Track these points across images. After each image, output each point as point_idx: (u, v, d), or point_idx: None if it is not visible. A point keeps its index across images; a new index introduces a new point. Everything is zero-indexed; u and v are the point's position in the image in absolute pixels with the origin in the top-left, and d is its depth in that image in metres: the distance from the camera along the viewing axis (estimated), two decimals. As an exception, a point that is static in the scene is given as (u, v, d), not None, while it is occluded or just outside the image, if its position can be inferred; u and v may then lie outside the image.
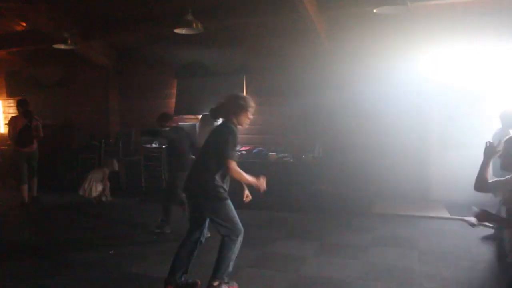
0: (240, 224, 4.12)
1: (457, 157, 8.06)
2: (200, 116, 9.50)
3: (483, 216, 2.99)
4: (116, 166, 8.84)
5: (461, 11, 7.56)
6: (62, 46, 8.14)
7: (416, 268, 4.95)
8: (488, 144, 3.26)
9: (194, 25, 6.89)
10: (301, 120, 8.87)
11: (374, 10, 6.15)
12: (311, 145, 8.59)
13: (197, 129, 9.41)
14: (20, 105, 8.49)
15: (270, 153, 8.61)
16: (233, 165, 4.02)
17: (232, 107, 4.26)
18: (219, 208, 4.07)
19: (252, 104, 4.31)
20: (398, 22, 7.50)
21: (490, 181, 3.21)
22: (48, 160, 9.46)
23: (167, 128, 6.69)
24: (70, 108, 10.90)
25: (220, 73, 9.46)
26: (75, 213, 8.03)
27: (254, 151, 8.78)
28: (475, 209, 2.96)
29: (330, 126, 8.55)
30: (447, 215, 7.24)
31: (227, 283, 4.04)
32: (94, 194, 8.32)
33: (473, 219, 2.96)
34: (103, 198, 8.53)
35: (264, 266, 5.12)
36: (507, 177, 3.02)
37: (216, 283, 3.95)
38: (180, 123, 9.71)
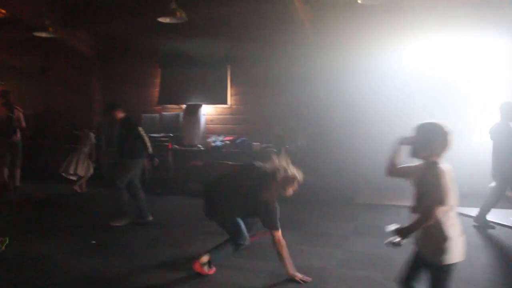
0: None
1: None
2: (184, 106, 9.46)
3: (403, 231, 2.96)
4: (92, 139, 8.71)
5: (445, 3, 7.60)
6: (43, 34, 8.00)
7: (397, 257, 4.99)
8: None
9: (178, 14, 6.81)
10: (285, 111, 8.88)
11: (359, 1, 6.14)
12: (295, 135, 8.61)
13: (181, 119, 9.38)
14: (1, 95, 8.36)
15: (254, 143, 8.61)
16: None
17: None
18: None
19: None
20: (384, 13, 7.51)
21: (401, 166, 3.26)
22: (29, 150, 9.32)
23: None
24: (51, 97, 10.72)
25: (204, 63, 9.39)
26: (56, 202, 7.97)
27: (237, 141, 8.77)
28: (392, 228, 2.95)
29: (314, 117, 8.58)
30: (429, 204, 7.31)
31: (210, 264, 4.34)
32: (71, 172, 8.27)
33: (395, 239, 2.95)
34: (77, 189, 8.47)
35: (246, 256, 5.12)
36: (417, 163, 3.07)
37: (205, 258, 4.34)
38: (163, 113, 9.67)
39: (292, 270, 4.28)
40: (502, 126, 5.81)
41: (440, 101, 8.24)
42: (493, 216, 6.47)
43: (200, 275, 4.36)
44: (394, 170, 3.33)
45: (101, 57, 10.30)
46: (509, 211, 6.81)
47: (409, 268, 3.17)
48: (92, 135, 8.72)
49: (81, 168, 8.41)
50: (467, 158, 8.00)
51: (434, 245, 2.87)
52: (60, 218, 6.95)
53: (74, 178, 8.43)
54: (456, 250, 2.86)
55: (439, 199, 2.74)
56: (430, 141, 2.97)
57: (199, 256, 4.34)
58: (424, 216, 2.80)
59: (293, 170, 4.39)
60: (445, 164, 2.94)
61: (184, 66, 9.58)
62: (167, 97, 9.80)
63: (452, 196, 2.79)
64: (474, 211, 6.61)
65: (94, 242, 5.56)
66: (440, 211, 2.73)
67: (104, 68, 10.39)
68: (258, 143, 8.61)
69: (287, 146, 8.40)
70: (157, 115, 9.74)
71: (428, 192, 2.83)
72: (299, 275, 4.28)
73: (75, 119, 10.28)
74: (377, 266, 4.61)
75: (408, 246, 5.20)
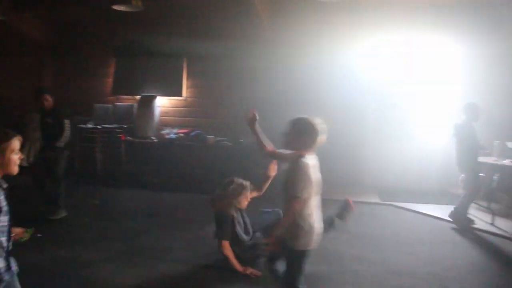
0: None
1: (389, 147, 8.45)
2: (138, 97, 9.30)
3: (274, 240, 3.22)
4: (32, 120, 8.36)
5: (402, 4, 7.79)
6: (-9, 18, 7.67)
7: (345, 251, 5.13)
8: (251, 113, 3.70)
9: (133, 2, 6.70)
10: (241, 105, 8.86)
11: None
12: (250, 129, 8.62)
13: (135, 110, 9.22)
14: None
15: (209, 137, 8.58)
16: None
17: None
18: None
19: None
20: (341, 10, 7.63)
21: (279, 150, 3.59)
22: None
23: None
24: (1, 83, 10.29)
25: (160, 54, 9.24)
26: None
27: (192, 134, 8.71)
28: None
29: (269, 112, 8.61)
30: (378, 200, 7.54)
31: None
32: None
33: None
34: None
35: (196, 248, 5.13)
36: (291, 153, 3.31)
37: None
38: (117, 104, 9.48)
39: (241, 267, 4.38)
40: (466, 125, 6.02)
41: (393, 99, 8.49)
42: (437, 212, 6.74)
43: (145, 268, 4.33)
44: (264, 150, 3.71)
45: (53, 44, 9.94)
46: (452, 207, 7.09)
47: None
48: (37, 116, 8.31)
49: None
50: (415, 157, 8.31)
51: (290, 230, 3.10)
52: None
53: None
54: (309, 238, 3.12)
55: (295, 191, 3.01)
56: (300, 135, 3.24)
57: None
58: (286, 211, 3.15)
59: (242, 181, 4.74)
60: (312, 158, 3.22)
61: (139, 57, 9.38)
62: (121, 88, 9.59)
63: (312, 188, 3.09)
64: (424, 208, 6.90)
65: (40, 235, 5.41)
66: (299, 204, 3.02)
67: (56, 55, 10.05)
68: (213, 137, 8.58)
69: (242, 140, 8.42)
70: (110, 105, 9.51)
71: (288, 182, 3.08)
72: (249, 270, 4.33)
73: (25, 107, 9.90)
74: (324, 259, 4.70)
75: (355, 239, 5.36)
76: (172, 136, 8.74)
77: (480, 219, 6.26)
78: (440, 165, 8.20)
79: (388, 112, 8.52)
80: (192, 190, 7.96)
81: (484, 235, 5.80)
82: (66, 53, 9.97)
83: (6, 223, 2.43)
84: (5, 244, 2.42)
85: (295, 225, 3.08)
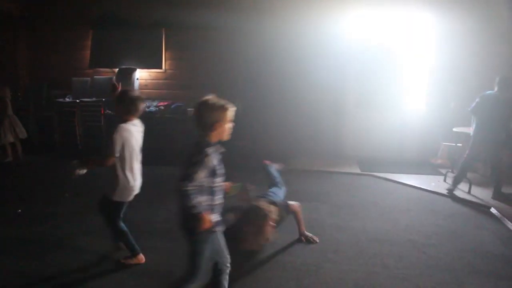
0: None
1: (369, 117, 8.48)
2: (116, 70, 9.13)
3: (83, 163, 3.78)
4: (8, 93, 8.08)
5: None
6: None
7: (327, 220, 5.18)
8: None
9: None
10: (221, 76, 8.78)
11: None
12: (231, 101, 8.55)
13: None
14: None
15: (189, 109, 8.49)
16: None
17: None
18: None
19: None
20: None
21: None
22: None
23: None
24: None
25: (138, 26, 9.06)
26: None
27: (172, 106, 8.61)
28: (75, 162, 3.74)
29: (250, 83, 8.57)
30: (358, 170, 7.61)
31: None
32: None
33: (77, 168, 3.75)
34: (8, 159, 8.08)
35: (175, 221, 5.11)
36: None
37: None
38: (95, 77, 9.31)
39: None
40: (496, 96, 5.91)
41: (375, 73, 8.48)
42: (417, 181, 6.84)
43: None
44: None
45: (26, 15, 9.64)
46: (431, 177, 7.21)
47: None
48: (7, 90, 8.08)
49: (10, 134, 7.96)
50: (397, 128, 8.38)
51: (110, 183, 3.80)
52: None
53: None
54: (123, 192, 3.83)
55: (109, 150, 3.64)
56: (121, 105, 3.83)
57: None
58: (100, 160, 3.81)
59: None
60: (134, 124, 3.92)
61: (117, 28, 9.19)
62: (99, 60, 9.39)
63: (129, 149, 3.79)
64: (403, 178, 6.99)
65: (19, 211, 5.35)
66: (110, 160, 3.68)
67: (30, 28, 9.76)
68: (193, 109, 8.48)
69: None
70: (88, 78, 9.33)
71: (107, 142, 3.70)
72: None
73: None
74: (310, 230, 4.75)
75: (336, 209, 5.40)
76: (152, 109, 8.64)
77: (458, 188, 6.37)
78: (420, 135, 8.28)
79: (368, 82, 8.52)
80: (173, 163, 7.90)
81: (462, 203, 5.91)
82: (41, 26, 9.70)
83: (221, 184, 2.90)
84: (221, 201, 2.89)
85: (113, 179, 3.78)
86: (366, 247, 4.38)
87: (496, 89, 5.94)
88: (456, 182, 6.22)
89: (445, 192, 6.26)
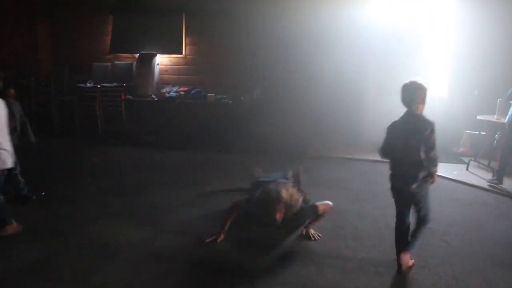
0: None
1: (390, 103, 8.34)
2: (137, 55, 9.16)
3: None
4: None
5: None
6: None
7: (346, 207, 5.16)
8: None
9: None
10: (241, 62, 8.76)
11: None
12: (250, 87, 8.56)
13: (134, 68, 9.10)
14: None
15: (209, 94, 8.50)
16: None
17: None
18: None
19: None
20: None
21: None
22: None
23: None
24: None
25: (159, 10, 9.06)
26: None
27: (192, 92, 8.63)
28: None
29: (269, 69, 8.53)
30: (379, 158, 7.52)
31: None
32: None
33: None
34: None
35: (197, 205, 5.17)
36: None
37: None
38: (115, 62, 9.36)
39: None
40: None
41: (396, 58, 8.35)
42: (438, 170, 6.74)
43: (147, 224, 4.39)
44: None
45: (47, 0, 9.71)
46: (453, 165, 7.11)
47: None
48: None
49: None
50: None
51: None
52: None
53: None
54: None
55: None
56: None
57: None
58: None
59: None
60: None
61: (137, 13, 9.19)
62: (120, 46, 9.42)
63: None
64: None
65: (43, 193, 5.44)
66: None
67: (50, 13, 9.83)
68: (213, 94, 8.50)
69: (242, 98, 8.36)
70: (108, 64, 9.39)
71: None
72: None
73: (20, 66, 9.76)
74: (328, 217, 4.73)
75: (356, 196, 5.38)
76: (172, 94, 8.67)
77: (481, 177, 6.27)
78: (442, 123, 8.14)
79: (389, 68, 8.40)
80: (193, 148, 7.99)
81: (485, 192, 5.82)
82: (61, 12, 9.77)
83: None
84: None
85: None
86: (386, 235, 4.34)
87: None
88: (500, 175, 6.03)
89: (469, 181, 6.12)
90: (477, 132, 7.00)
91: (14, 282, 3.38)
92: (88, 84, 9.02)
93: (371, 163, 7.26)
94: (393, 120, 3.70)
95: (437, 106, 8.15)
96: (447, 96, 8.11)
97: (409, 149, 3.49)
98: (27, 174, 6.37)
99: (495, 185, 5.98)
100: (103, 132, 8.95)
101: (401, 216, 3.72)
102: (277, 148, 7.68)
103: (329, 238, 4.26)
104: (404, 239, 3.65)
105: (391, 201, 5.34)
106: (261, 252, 3.92)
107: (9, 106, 4.67)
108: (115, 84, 8.91)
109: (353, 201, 5.38)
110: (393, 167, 3.76)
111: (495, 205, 5.38)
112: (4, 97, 4.86)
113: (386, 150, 3.80)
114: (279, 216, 3.85)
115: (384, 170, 6.76)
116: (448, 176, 6.42)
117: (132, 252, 3.90)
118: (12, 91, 5.44)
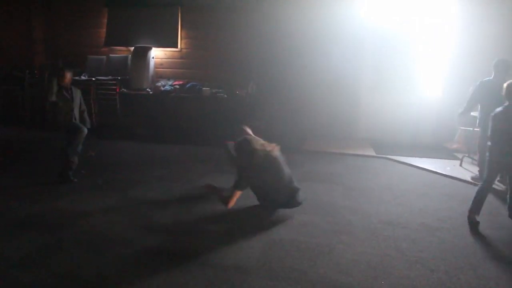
0: None
1: (384, 100, 8.39)
2: (132, 49, 9.12)
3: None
4: None
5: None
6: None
7: (339, 202, 5.18)
8: None
9: None
10: (237, 56, 8.75)
11: None
12: (245, 81, 8.55)
13: (129, 62, 9.07)
14: None
15: (204, 88, 8.48)
16: None
17: None
18: None
19: None
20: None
21: None
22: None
23: None
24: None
25: (154, 4, 9.03)
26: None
27: (187, 86, 8.62)
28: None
29: (264, 63, 8.52)
30: (373, 153, 7.57)
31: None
32: None
33: None
34: None
35: (192, 198, 5.17)
36: None
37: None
38: (110, 55, 9.33)
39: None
40: (499, 81, 5.75)
41: (390, 57, 8.37)
42: (432, 165, 6.79)
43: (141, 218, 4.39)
44: None
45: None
46: (446, 161, 7.15)
47: None
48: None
49: None
50: (413, 112, 8.28)
51: None
52: (1, 162, 6.74)
53: None
54: None
55: None
56: None
57: None
58: None
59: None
60: None
61: (132, 6, 9.16)
62: (115, 39, 9.39)
63: None
64: (418, 161, 6.95)
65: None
66: None
67: (45, 4, 9.77)
68: (208, 88, 8.49)
69: (238, 92, 8.35)
70: (103, 57, 9.35)
71: None
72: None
73: (14, 59, 9.71)
74: (319, 210, 4.76)
75: (349, 191, 5.39)
76: (167, 88, 8.65)
77: (473, 172, 6.31)
78: (436, 120, 8.19)
79: (384, 65, 8.41)
80: (188, 142, 7.98)
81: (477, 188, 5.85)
82: (56, 3, 9.72)
83: None
84: None
85: None
86: (379, 230, 4.37)
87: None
88: (481, 175, 5.95)
89: (462, 177, 6.15)
90: (471, 129, 7.02)
91: (8, 275, 3.37)
92: (83, 77, 8.98)
93: (365, 158, 7.29)
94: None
95: (431, 102, 8.21)
96: (441, 93, 8.14)
97: None
98: (25, 165, 6.37)
99: (477, 183, 5.98)
100: (97, 125, 8.91)
101: (490, 184, 4.70)
102: (272, 142, 7.67)
103: (322, 233, 4.27)
104: (481, 202, 4.61)
105: (384, 196, 5.40)
106: (252, 246, 3.93)
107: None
108: (109, 77, 8.88)
109: (346, 196, 5.40)
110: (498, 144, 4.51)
111: (488, 201, 5.41)
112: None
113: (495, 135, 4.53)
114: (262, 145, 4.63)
115: (378, 165, 6.86)
116: (442, 172, 6.46)
117: (126, 246, 3.90)
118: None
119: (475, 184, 5.85)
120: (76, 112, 5.85)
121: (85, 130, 5.76)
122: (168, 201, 5.09)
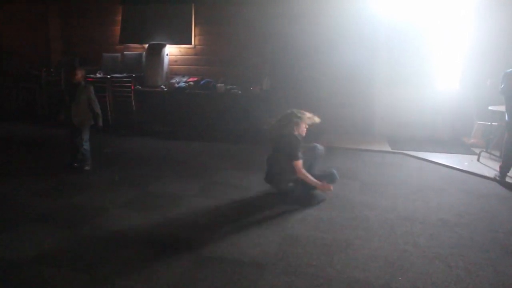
0: None
1: (400, 95, 8.31)
2: (146, 46, 9.16)
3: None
4: None
5: None
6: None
7: (356, 198, 5.15)
8: None
9: None
10: (251, 52, 8.73)
11: None
12: (260, 77, 8.53)
13: (144, 59, 9.11)
14: None
15: (218, 85, 8.49)
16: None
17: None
18: None
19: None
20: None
21: None
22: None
23: None
24: (6, 34, 10.18)
25: (168, 1, 9.06)
26: (17, 143, 7.79)
27: (202, 82, 8.62)
28: None
29: (279, 59, 8.49)
30: (389, 148, 7.51)
31: None
32: None
33: None
34: None
35: (209, 194, 5.19)
36: None
37: None
38: (125, 53, 9.38)
39: (319, 183, 4.88)
40: None
41: (405, 50, 8.27)
42: (449, 161, 6.71)
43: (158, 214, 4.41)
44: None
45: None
46: (464, 156, 7.06)
47: None
48: None
49: None
50: (430, 107, 8.18)
51: None
52: (21, 159, 6.82)
53: None
54: None
55: None
56: None
57: None
58: None
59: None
60: None
61: (147, 3, 9.21)
62: (129, 36, 9.45)
63: None
64: (435, 156, 6.88)
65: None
66: None
67: (62, 3, 9.86)
68: (223, 85, 8.49)
69: (252, 88, 8.34)
70: (118, 54, 9.41)
71: None
72: (326, 185, 4.92)
73: (32, 57, 9.82)
74: (336, 206, 4.74)
75: (366, 186, 5.36)
76: (182, 84, 8.67)
77: (492, 168, 6.23)
78: (453, 114, 8.09)
79: (399, 58, 8.32)
80: (202, 139, 8.01)
81: (496, 184, 5.78)
82: (72, 1, 9.79)
83: None
84: None
85: None
86: (397, 226, 4.34)
87: None
88: (503, 172, 5.81)
89: (490, 175, 6.00)
90: (489, 123, 6.93)
91: (29, 270, 3.42)
92: (98, 75, 9.05)
93: (381, 154, 7.24)
94: None
95: (448, 96, 8.11)
96: (459, 86, 8.03)
97: None
98: (41, 162, 6.45)
99: (498, 180, 5.89)
100: (113, 122, 8.99)
101: None
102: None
103: (339, 228, 4.26)
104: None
105: (401, 191, 5.36)
106: (269, 241, 3.93)
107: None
108: (124, 74, 8.93)
109: (363, 192, 5.37)
110: None
111: (506, 196, 5.34)
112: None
113: None
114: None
115: (394, 161, 6.81)
116: (459, 167, 6.38)
117: (143, 242, 3.93)
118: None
119: (496, 181, 5.78)
120: (80, 108, 5.96)
121: (86, 127, 6.05)
122: (186, 197, 5.10)
